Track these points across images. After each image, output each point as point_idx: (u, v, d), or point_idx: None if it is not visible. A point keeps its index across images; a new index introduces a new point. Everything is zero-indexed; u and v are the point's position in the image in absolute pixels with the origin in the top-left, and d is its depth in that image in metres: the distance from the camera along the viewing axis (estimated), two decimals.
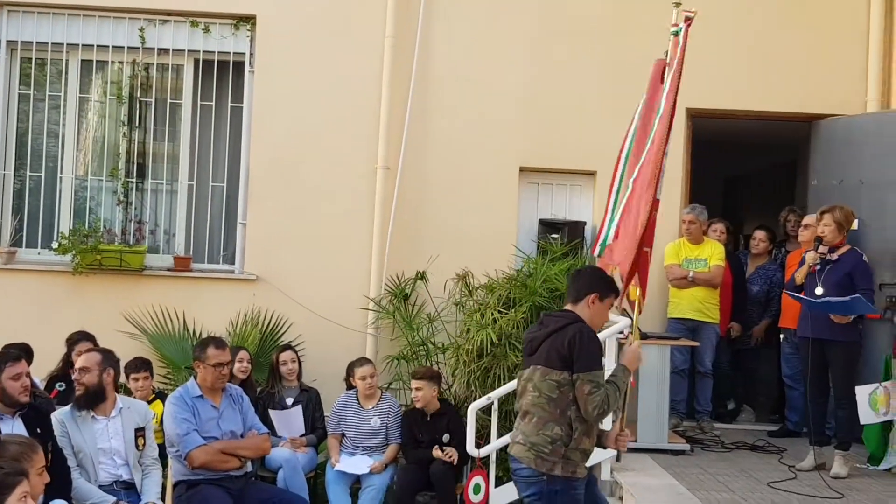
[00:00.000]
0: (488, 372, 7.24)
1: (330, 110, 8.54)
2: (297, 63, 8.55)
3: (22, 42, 8.64)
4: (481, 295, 7.77)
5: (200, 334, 8.19)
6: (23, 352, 5.99)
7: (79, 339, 7.09)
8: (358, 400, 7.11)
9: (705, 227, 8.29)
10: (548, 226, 8.47)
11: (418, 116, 8.51)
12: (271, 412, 7.06)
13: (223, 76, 8.78)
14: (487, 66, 8.60)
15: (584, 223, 8.50)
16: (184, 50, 8.68)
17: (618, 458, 6.58)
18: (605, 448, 4.84)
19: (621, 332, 6.86)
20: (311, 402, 7.36)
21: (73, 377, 5.67)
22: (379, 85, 8.50)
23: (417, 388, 6.89)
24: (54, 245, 8.37)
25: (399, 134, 8.47)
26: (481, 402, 6.71)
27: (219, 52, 8.70)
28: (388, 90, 8.48)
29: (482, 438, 6.80)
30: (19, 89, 8.70)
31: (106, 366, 5.65)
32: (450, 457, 6.67)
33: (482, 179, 8.54)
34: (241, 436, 6.08)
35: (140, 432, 5.68)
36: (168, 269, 8.54)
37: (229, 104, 8.77)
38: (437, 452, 6.74)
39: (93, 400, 5.59)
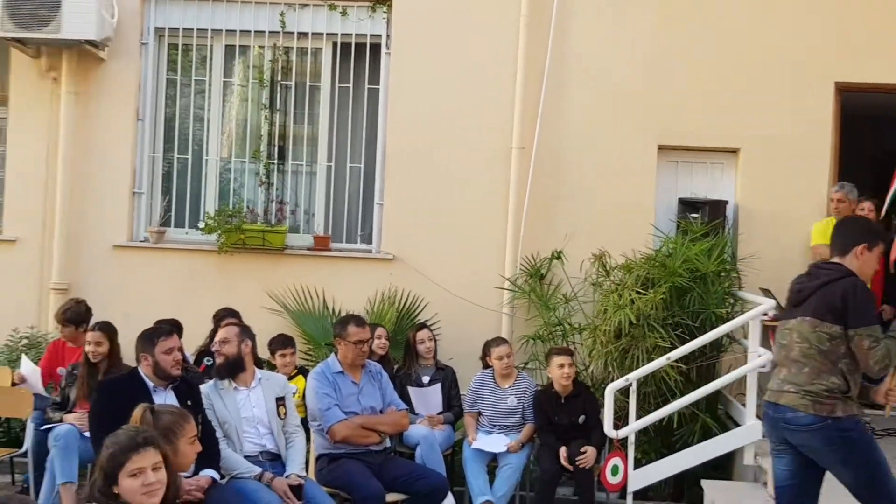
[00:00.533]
0: (626, 353, 7.13)
1: (465, 90, 8.55)
2: (433, 44, 8.59)
3: (169, 29, 8.94)
4: (618, 275, 7.66)
5: (339, 312, 8.35)
6: (173, 327, 6.25)
7: (225, 315, 7.32)
8: (494, 379, 7.11)
9: (854, 206, 7.95)
10: (687, 205, 8.27)
11: (553, 95, 8.43)
12: (410, 389, 7.15)
13: (360, 59, 8.89)
14: (624, 43, 8.45)
15: (726, 202, 8.27)
16: (322, 33, 8.83)
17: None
18: (872, 403, 4.85)
19: (765, 314, 6.66)
20: (447, 380, 7.41)
21: (214, 349, 5.85)
22: (514, 64, 8.46)
23: (570, 365, 6.79)
24: (201, 225, 8.65)
25: (534, 114, 8.41)
26: (619, 383, 6.63)
27: (356, 35, 8.82)
28: (522, 70, 8.43)
29: (620, 420, 6.71)
30: (167, 75, 9.01)
31: (244, 337, 5.81)
32: (583, 464, 6.52)
33: (619, 158, 8.41)
34: (381, 411, 6.17)
35: (280, 401, 5.82)
36: (308, 249, 8.72)
37: (366, 86, 8.87)
38: (563, 455, 6.56)
39: (233, 369, 5.76)
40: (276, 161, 8.89)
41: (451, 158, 8.54)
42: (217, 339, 5.88)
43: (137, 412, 4.26)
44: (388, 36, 8.75)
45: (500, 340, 7.28)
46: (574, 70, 8.47)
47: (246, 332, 5.88)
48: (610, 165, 8.40)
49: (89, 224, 8.77)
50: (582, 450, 6.49)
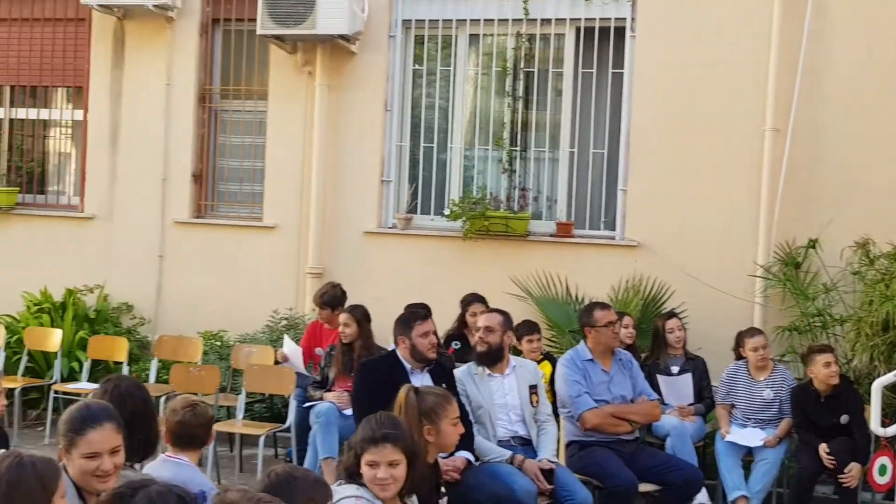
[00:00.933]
0: (894, 347, 6.67)
1: (713, 71, 8.25)
2: (680, 25, 8.35)
3: (415, 21, 9.16)
4: (884, 264, 7.18)
5: (582, 299, 8.30)
6: (419, 310, 6.38)
7: (472, 300, 7.44)
8: (749, 371, 6.84)
9: None
10: None
11: (811, 74, 7.98)
12: (660, 378, 7.00)
13: (604, 43, 8.77)
14: (888, 18, 7.88)
15: None
16: (565, 19, 8.77)
17: None
18: None
19: None
20: (697, 370, 7.21)
21: (478, 336, 5.89)
22: (767, 43, 8.08)
23: (835, 362, 6.46)
24: (446, 212, 8.83)
25: (789, 93, 8.00)
26: (887, 378, 6.21)
27: (600, 20, 8.70)
28: (777, 47, 8.04)
29: (888, 417, 6.29)
30: (413, 66, 9.25)
31: (507, 327, 5.86)
32: (847, 484, 6.15)
33: (884, 140, 7.86)
34: (631, 401, 6.08)
35: (533, 389, 5.84)
36: (551, 235, 8.72)
37: (610, 71, 8.74)
38: (823, 452, 6.22)
39: (494, 358, 5.82)
40: (518, 148, 8.93)
41: (699, 142, 8.27)
42: (481, 324, 5.92)
43: (402, 393, 4.39)
44: (633, 19, 8.58)
45: (754, 331, 7.01)
46: (834, 46, 7.98)
47: (509, 322, 5.92)
48: (873, 148, 7.88)
49: (342, 211, 9.14)
50: (847, 469, 6.15)
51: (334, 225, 9.15)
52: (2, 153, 10.15)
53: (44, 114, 10.17)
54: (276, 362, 7.76)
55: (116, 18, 9.56)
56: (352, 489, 3.72)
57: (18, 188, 9.98)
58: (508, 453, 5.54)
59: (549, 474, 5.48)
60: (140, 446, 3.78)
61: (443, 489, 4.67)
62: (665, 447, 6.51)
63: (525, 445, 5.73)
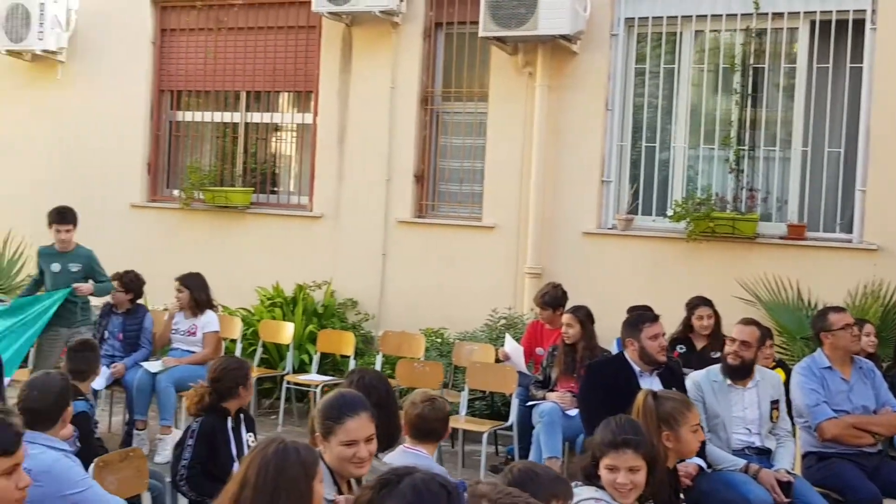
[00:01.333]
0: None
1: None
2: None
3: (638, 18, 9.01)
4: None
5: (815, 305, 7.90)
6: (647, 312, 6.24)
7: (699, 303, 7.24)
8: None
9: None
10: None
11: None
12: None
13: (841, 36, 8.32)
14: None
15: None
16: (799, 12, 8.39)
17: None
18: None
19: None
20: None
21: (732, 348, 5.62)
22: None
23: None
24: (669, 213, 8.63)
25: None
26: None
27: (837, 12, 8.27)
28: None
29: None
30: (635, 64, 9.09)
31: (762, 343, 5.63)
32: None
33: None
34: (874, 412, 5.73)
35: (775, 404, 5.60)
36: (780, 238, 8.36)
37: (848, 65, 8.29)
38: None
39: (744, 373, 5.60)
40: (746, 147, 8.62)
41: None
42: (737, 337, 5.66)
43: (640, 397, 4.31)
44: (873, 11, 8.11)
45: None
46: None
47: (764, 338, 5.69)
48: None
49: (561, 211, 9.11)
50: None
51: (553, 225, 9.13)
52: (238, 155, 10.75)
53: (276, 118, 10.69)
54: (498, 360, 7.82)
55: (345, 25, 9.92)
56: (591, 491, 3.68)
57: (253, 188, 10.53)
58: (743, 462, 5.35)
59: (786, 487, 5.24)
60: (383, 437, 3.88)
61: (682, 496, 4.55)
62: None
63: (760, 455, 5.51)
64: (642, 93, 9.10)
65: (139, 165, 10.89)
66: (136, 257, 9.29)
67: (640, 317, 5.73)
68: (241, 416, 4.91)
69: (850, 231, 8.24)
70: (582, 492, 3.64)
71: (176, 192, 10.80)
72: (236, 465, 4.75)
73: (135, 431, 7.54)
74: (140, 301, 8.30)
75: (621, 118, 9.10)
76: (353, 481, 3.61)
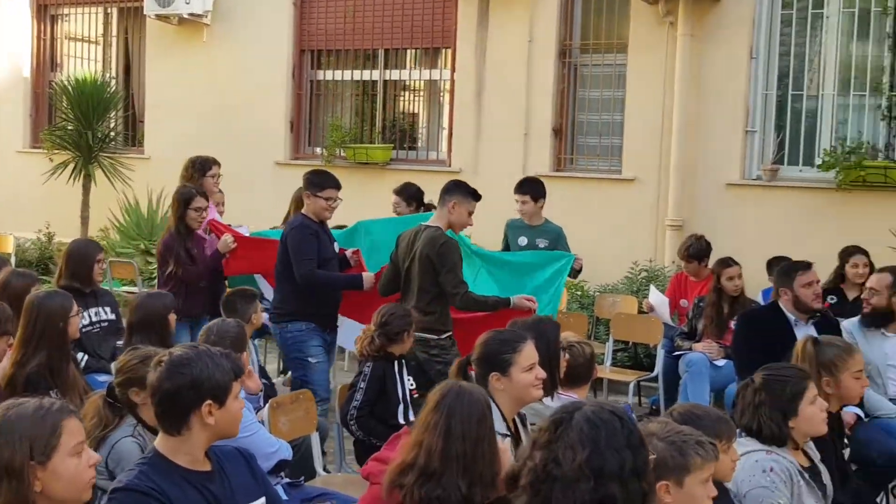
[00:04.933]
0: None
1: None
2: None
3: None
4: None
5: None
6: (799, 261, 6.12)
7: (853, 252, 7.06)
8: None
9: None
10: None
11: None
12: None
13: None
14: None
15: None
16: None
17: None
18: None
19: None
20: None
21: (863, 296, 5.59)
22: None
23: None
24: (817, 161, 8.43)
25: None
26: None
27: None
28: None
29: None
30: (781, 10, 8.86)
31: (895, 290, 5.49)
32: None
33: None
34: None
35: None
36: None
37: None
38: None
39: (879, 321, 5.50)
40: None
41: None
42: (868, 285, 5.60)
43: (800, 343, 4.29)
44: None
45: None
46: None
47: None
48: None
49: (702, 163, 9.01)
50: None
51: (695, 177, 9.03)
52: (377, 112, 10.95)
53: (414, 74, 10.84)
54: (641, 311, 7.83)
55: None
56: (756, 444, 3.63)
57: (392, 145, 10.73)
58: None
59: None
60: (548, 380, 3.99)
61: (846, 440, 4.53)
62: None
63: None
64: (788, 40, 8.87)
65: (282, 124, 11.22)
66: (282, 213, 9.61)
67: (793, 265, 5.67)
68: (403, 360, 5.10)
69: None
70: (747, 443, 3.61)
71: (318, 150, 11.09)
72: (401, 408, 4.98)
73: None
74: None
75: (766, 66, 8.90)
76: (517, 419, 3.74)
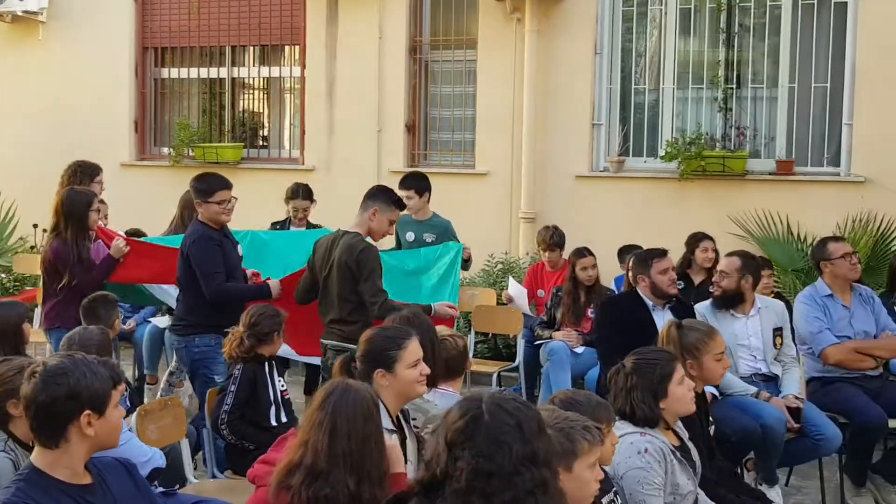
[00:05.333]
0: None
1: None
2: None
3: None
4: None
5: (805, 238, 8.18)
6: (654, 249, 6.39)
7: (702, 237, 7.39)
8: None
9: None
10: None
11: None
12: None
13: None
14: None
15: None
16: None
17: None
18: None
19: None
20: None
21: (714, 279, 5.89)
22: None
23: None
24: (661, 153, 8.78)
25: None
26: None
27: None
28: None
29: None
30: (622, 7, 9.17)
31: (745, 273, 5.78)
32: None
33: None
34: (875, 336, 5.95)
35: (778, 332, 5.78)
36: (770, 173, 8.56)
37: (832, 1, 8.42)
38: None
39: (728, 303, 5.78)
40: (733, 86, 8.77)
41: None
42: (718, 268, 5.90)
43: (665, 327, 4.48)
44: None
45: None
46: None
47: (748, 268, 5.84)
48: None
49: (552, 156, 9.24)
50: None
51: (546, 170, 9.26)
52: (225, 111, 10.75)
53: (263, 72, 10.69)
54: (501, 303, 7.98)
55: None
56: (630, 427, 3.78)
57: (243, 143, 10.55)
58: (753, 389, 5.53)
59: (795, 412, 5.44)
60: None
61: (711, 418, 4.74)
62: None
63: (768, 382, 5.71)
64: (630, 36, 9.20)
65: (126, 124, 10.86)
66: (128, 216, 9.26)
67: (649, 252, 5.89)
68: (273, 361, 5.04)
69: (837, 164, 8.45)
70: (622, 426, 3.74)
71: (165, 150, 10.79)
72: (272, 410, 4.92)
73: (146, 387, 7.63)
74: None
75: (610, 61, 9.20)
76: (401, 415, 3.76)
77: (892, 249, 7.84)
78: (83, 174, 6.86)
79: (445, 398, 4.28)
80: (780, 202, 8.39)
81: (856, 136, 8.26)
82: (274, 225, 7.89)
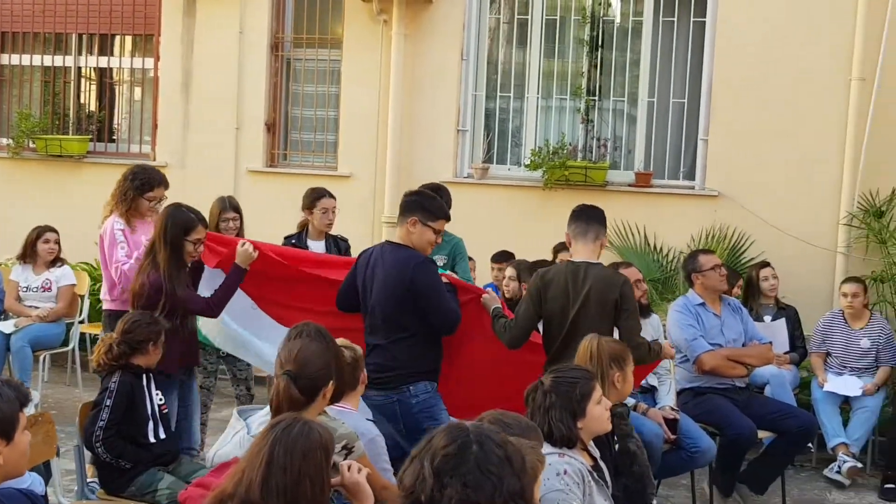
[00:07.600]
0: None
1: (798, 19, 8.24)
2: None
3: None
4: None
5: (661, 249, 8.43)
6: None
7: (561, 248, 7.47)
8: (845, 319, 6.94)
9: None
10: None
11: None
12: (757, 324, 7.08)
13: None
14: None
15: None
16: None
17: None
18: None
19: None
20: (790, 319, 7.31)
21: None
22: None
23: None
24: (526, 161, 8.86)
25: (877, 42, 8.00)
26: None
27: None
28: None
29: None
30: (490, 14, 9.21)
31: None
32: None
33: None
34: (743, 345, 6.16)
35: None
36: (629, 185, 8.77)
37: (691, 19, 8.72)
38: None
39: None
40: (596, 98, 8.95)
41: (783, 91, 8.28)
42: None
43: (584, 343, 4.45)
44: None
45: (849, 279, 7.10)
46: None
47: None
48: None
49: (417, 160, 9.18)
50: None
51: (410, 174, 9.17)
52: (70, 102, 10.15)
53: (113, 62, 10.16)
54: None
55: None
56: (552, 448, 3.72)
57: (90, 136, 10.00)
58: (632, 401, 5.63)
59: (672, 424, 5.56)
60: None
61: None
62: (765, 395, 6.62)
63: (645, 394, 5.83)
64: (496, 44, 9.25)
65: None
66: None
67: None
68: (151, 374, 4.74)
69: (692, 178, 8.73)
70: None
71: (4, 141, 10.10)
72: (150, 425, 4.63)
73: None
74: None
75: (475, 68, 9.21)
76: None
77: (744, 262, 8.17)
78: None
79: (344, 415, 4.13)
80: (639, 214, 8.61)
81: (710, 152, 8.56)
82: (287, 239, 7.35)
